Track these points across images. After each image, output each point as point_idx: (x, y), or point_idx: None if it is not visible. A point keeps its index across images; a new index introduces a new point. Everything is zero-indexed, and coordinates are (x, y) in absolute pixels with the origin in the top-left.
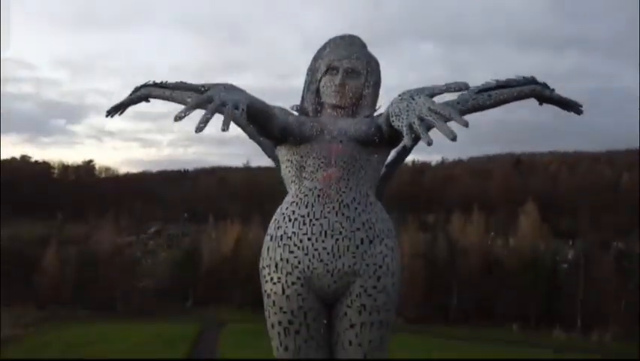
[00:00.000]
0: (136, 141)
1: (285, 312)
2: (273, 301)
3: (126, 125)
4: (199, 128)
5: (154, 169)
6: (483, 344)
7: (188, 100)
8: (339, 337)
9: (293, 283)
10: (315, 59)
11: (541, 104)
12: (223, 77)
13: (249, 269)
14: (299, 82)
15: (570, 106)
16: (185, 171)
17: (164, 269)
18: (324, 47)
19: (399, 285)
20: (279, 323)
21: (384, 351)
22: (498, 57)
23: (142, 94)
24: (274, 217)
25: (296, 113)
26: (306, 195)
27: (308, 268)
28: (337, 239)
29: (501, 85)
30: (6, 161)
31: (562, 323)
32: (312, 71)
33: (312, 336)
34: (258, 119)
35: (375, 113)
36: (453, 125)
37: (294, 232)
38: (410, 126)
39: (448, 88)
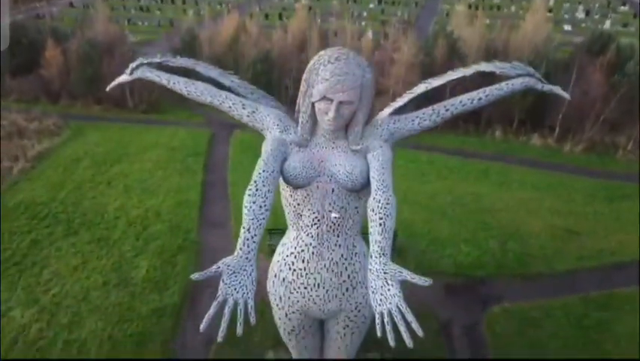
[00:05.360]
0: None
1: (286, 323)
2: (279, 317)
3: None
4: (221, 338)
5: None
6: (464, 158)
7: (186, 92)
8: (329, 340)
9: (293, 313)
10: (310, 70)
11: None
12: None
13: (249, 61)
14: None
15: (558, 95)
16: None
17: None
18: (319, 61)
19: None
20: (284, 328)
21: (358, 343)
22: None
23: (138, 76)
24: (276, 258)
25: (293, 132)
26: (303, 250)
27: (304, 306)
28: (327, 290)
29: (496, 69)
30: None
31: (542, 131)
32: (307, 82)
33: (307, 333)
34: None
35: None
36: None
37: (293, 280)
38: (381, 315)
39: (413, 279)
